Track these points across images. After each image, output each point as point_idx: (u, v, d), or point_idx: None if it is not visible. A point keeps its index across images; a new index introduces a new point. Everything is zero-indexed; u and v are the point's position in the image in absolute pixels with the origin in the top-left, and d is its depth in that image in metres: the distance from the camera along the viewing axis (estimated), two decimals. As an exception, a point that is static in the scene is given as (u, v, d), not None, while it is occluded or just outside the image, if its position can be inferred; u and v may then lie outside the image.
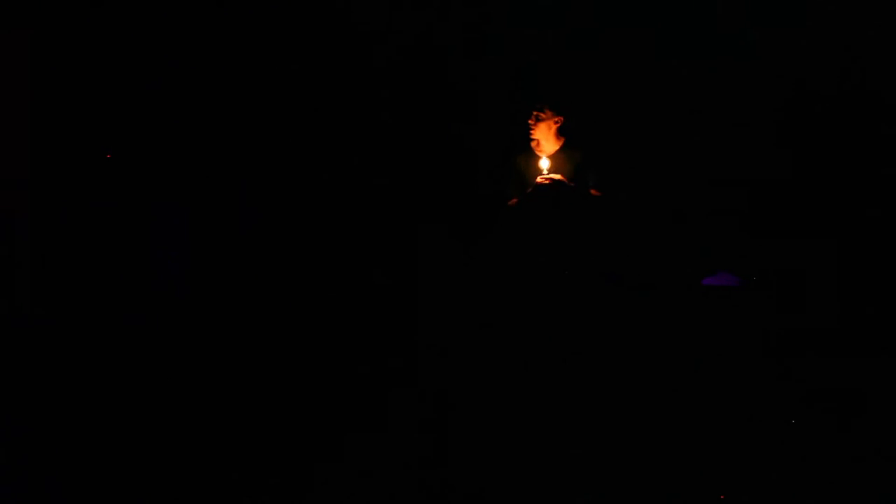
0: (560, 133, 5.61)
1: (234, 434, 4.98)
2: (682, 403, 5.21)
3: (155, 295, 6.02)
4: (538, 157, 5.55)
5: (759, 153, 6.09)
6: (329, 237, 6.23)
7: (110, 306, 5.94)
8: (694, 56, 6.06)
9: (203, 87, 6.16)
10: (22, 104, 5.92)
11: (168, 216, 6.12)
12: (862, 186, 5.98)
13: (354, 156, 6.25)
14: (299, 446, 4.86)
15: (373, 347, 5.85)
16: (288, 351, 5.82)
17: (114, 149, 6.11)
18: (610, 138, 5.89)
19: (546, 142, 5.62)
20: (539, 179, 5.42)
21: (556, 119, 5.58)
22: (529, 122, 5.58)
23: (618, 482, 4.44)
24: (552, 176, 5.41)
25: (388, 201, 6.26)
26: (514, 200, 5.62)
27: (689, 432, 4.90)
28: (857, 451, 4.66)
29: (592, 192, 5.55)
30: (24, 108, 5.92)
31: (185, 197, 6.15)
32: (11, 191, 5.90)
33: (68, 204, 6.01)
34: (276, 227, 6.20)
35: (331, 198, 6.24)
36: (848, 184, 6.00)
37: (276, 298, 6.09)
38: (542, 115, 5.58)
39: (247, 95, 6.18)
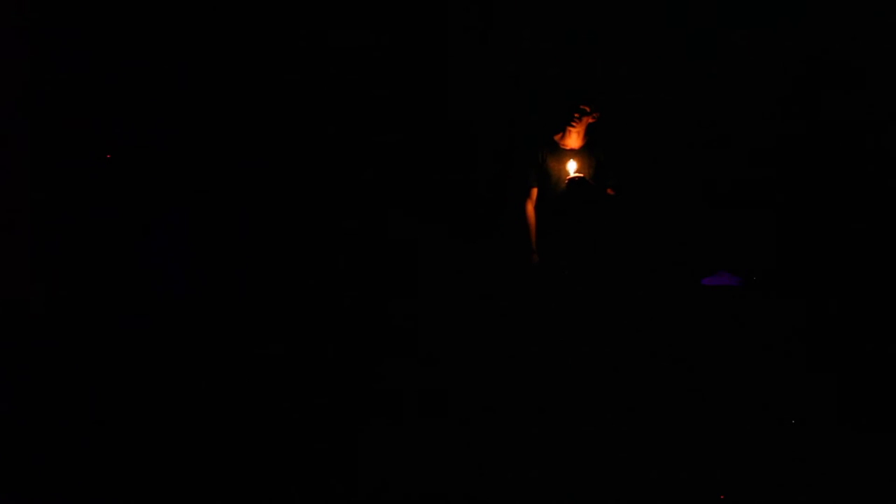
0: (589, 129, 5.71)
1: (234, 436, 4.98)
2: (682, 403, 5.22)
3: (155, 296, 6.02)
4: (562, 153, 5.67)
5: (759, 153, 6.10)
6: (330, 238, 6.23)
7: (110, 308, 5.94)
8: (700, 57, 6.09)
9: (202, 87, 6.16)
10: (22, 104, 5.91)
11: (168, 217, 6.12)
12: (863, 186, 5.98)
13: (355, 155, 6.25)
14: (299, 447, 4.86)
15: (372, 347, 5.85)
16: (288, 352, 5.82)
17: (114, 149, 6.11)
18: (623, 139, 5.93)
19: (577, 136, 5.72)
20: (569, 177, 5.57)
21: (595, 115, 5.69)
22: (575, 115, 5.66)
23: (619, 482, 4.44)
24: (580, 175, 5.56)
25: (389, 201, 6.26)
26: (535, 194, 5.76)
27: (690, 432, 4.90)
28: (857, 450, 4.66)
29: (608, 191, 5.71)
30: (24, 108, 5.92)
31: (185, 198, 6.15)
32: (11, 191, 5.90)
33: (68, 204, 6.01)
34: (277, 228, 6.20)
35: (332, 198, 6.25)
36: (849, 183, 6.00)
37: (276, 299, 6.09)
38: (588, 109, 5.66)
39: (247, 95, 6.18)
